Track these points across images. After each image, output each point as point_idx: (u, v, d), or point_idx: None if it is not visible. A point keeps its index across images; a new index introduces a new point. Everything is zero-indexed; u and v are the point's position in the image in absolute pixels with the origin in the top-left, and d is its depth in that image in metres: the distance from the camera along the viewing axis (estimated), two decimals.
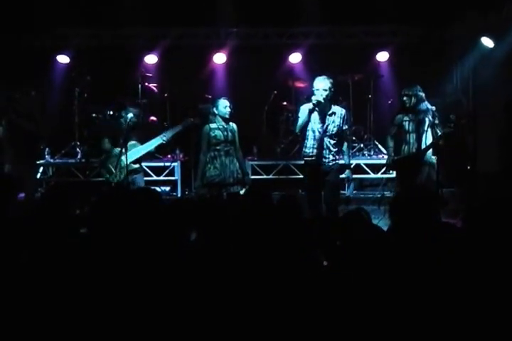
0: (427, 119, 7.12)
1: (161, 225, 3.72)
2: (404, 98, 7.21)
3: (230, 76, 10.92)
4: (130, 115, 7.58)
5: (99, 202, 4.02)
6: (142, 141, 7.76)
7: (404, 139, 7.28)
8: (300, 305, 3.05)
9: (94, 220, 3.82)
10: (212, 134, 7.05)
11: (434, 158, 7.06)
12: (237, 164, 7.16)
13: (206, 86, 10.72)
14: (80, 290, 3.21)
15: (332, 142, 6.65)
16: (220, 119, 7.08)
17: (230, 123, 7.16)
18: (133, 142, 7.64)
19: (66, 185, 9.36)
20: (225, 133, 7.07)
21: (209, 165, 7.06)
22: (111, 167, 7.60)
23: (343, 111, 6.75)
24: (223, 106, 7.08)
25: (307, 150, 6.69)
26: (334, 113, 6.65)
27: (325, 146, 6.62)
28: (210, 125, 7.09)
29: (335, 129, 6.63)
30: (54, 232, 3.69)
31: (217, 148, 7.06)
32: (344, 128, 6.73)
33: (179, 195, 9.57)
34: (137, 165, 7.70)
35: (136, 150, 7.62)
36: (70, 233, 3.78)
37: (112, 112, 9.31)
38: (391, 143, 7.48)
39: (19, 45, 10.21)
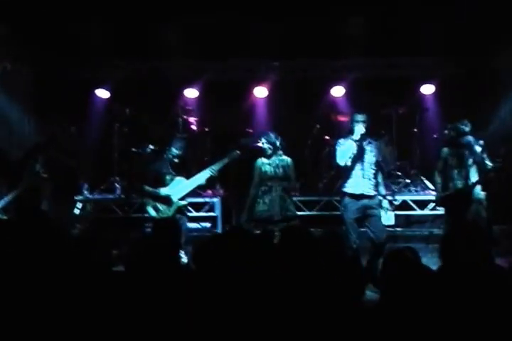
0: (467, 153, 6.94)
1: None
2: (445, 131, 7.38)
3: (271, 110, 10.80)
4: (173, 149, 7.44)
5: (142, 239, 3.89)
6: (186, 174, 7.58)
7: (449, 175, 7.12)
8: None
9: (134, 258, 3.64)
10: (263, 169, 6.96)
11: (482, 194, 6.91)
12: (288, 200, 6.99)
13: (247, 120, 10.61)
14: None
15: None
16: (280, 152, 7.02)
17: (285, 157, 7.05)
18: (179, 178, 7.44)
19: (104, 221, 9.26)
20: (276, 169, 6.94)
21: (258, 200, 6.93)
22: (158, 205, 7.39)
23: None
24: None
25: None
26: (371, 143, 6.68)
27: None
28: (263, 159, 7.01)
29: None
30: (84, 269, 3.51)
31: (269, 183, 6.94)
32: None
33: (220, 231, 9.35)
34: (185, 202, 7.49)
35: (183, 186, 7.42)
36: (102, 270, 3.60)
37: (152, 147, 9.21)
38: (439, 179, 7.35)
39: (59, 79, 10.12)
